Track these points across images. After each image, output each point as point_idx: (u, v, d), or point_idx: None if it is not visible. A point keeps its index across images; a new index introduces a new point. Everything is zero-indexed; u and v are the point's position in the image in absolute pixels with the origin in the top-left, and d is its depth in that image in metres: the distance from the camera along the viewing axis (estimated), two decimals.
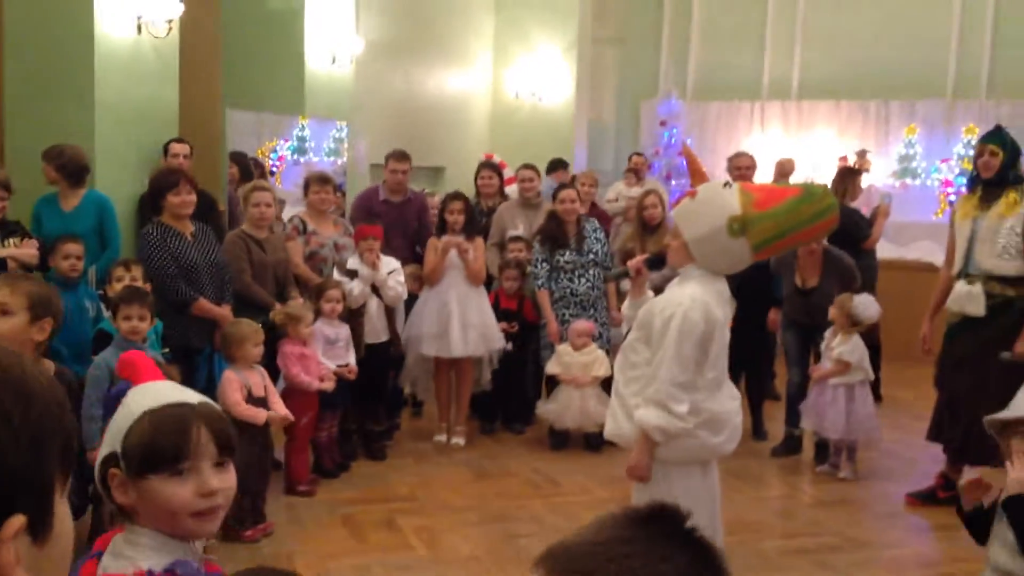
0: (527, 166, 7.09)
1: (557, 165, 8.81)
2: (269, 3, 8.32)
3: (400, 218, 6.70)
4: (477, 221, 6.48)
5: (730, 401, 3.41)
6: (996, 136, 5.17)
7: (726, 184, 3.37)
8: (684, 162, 4.79)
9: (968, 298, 4.98)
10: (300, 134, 9.11)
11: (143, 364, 1.64)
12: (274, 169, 9.40)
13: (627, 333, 3.55)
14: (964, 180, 7.88)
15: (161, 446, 1.48)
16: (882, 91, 10.84)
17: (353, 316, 5.72)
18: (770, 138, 11.15)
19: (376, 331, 5.89)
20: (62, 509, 0.83)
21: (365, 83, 8.85)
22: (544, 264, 6.37)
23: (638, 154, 9.49)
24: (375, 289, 5.84)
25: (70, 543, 0.85)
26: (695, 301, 3.21)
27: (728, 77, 11.46)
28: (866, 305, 5.72)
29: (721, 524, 3.56)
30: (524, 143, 9.86)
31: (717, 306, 3.26)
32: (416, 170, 8.23)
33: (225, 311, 4.92)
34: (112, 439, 1.52)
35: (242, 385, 4.55)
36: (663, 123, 10.92)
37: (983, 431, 4.87)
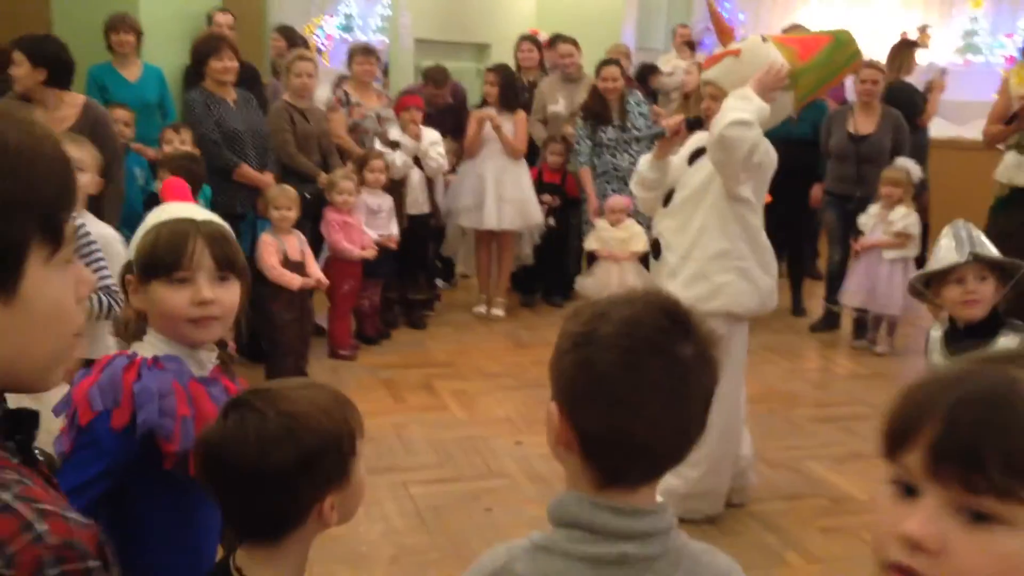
0: (565, 39, 6.96)
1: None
2: None
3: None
4: (516, 94, 6.44)
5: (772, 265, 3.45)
6: None
7: (764, 39, 3.33)
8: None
9: (1018, 168, 4.87)
10: (347, 11, 9.04)
11: (174, 187, 1.79)
12: (321, 47, 9.36)
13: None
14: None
15: (160, 254, 1.61)
16: None
17: (395, 187, 5.80)
18: (828, 10, 10.76)
19: (418, 202, 5.98)
20: (45, 281, 0.84)
21: None
22: (587, 141, 6.35)
23: (683, 26, 9.22)
24: (417, 160, 5.90)
25: (58, 320, 0.87)
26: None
27: None
28: (913, 167, 5.71)
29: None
30: (572, 18, 9.62)
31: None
32: (461, 46, 8.17)
33: (268, 178, 5.02)
34: (131, 249, 1.68)
35: (278, 248, 4.69)
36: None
37: None
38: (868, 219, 5.79)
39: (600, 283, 6.25)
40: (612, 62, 6.56)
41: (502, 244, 6.41)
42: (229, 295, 1.66)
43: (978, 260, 2.57)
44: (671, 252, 3.42)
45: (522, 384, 5.17)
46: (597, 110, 6.31)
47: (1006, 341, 2.46)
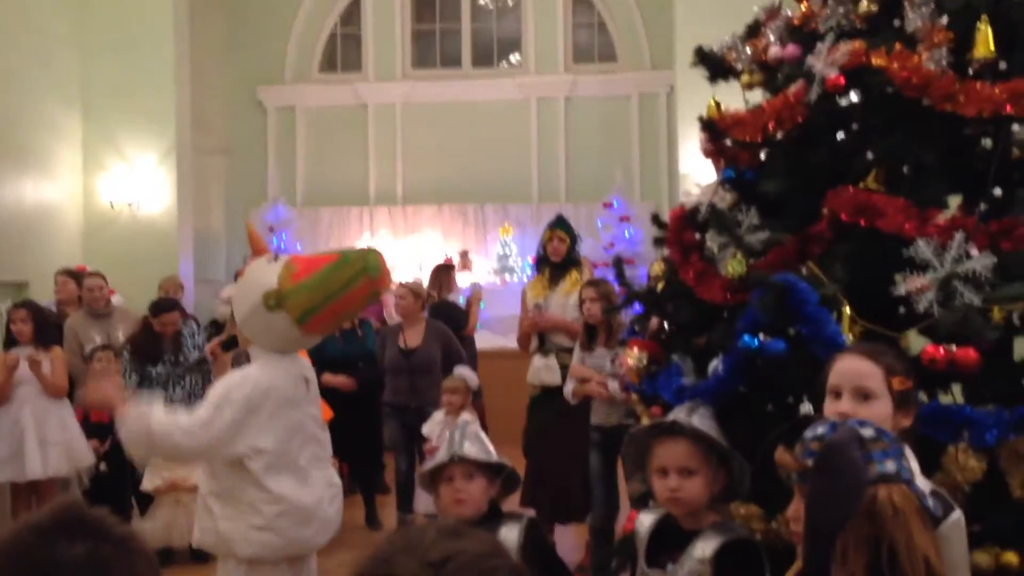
0: (92, 274, 6.79)
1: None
2: None
3: None
4: (50, 329, 6.02)
5: (325, 488, 3.32)
6: (562, 224, 5.81)
7: (274, 258, 3.31)
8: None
9: (545, 370, 5.45)
10: None
11: None
12: None
13: None
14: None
15: None
16: (478, 196, 11.76)
17: None
18: (380, 240, 11.59)
19: None
20: None
21: None
22: (134, 375, 6.06)
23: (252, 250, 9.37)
24: None
25: None
26: (246, 375, 3.18)
27: (336, 185, 11.86)
28: (470, 375, 6.12)
29: None
30: (125, 253, 9.37)
31: (282, 381, 3.21)
32: None
33: None
34: None
35: None
36: (272, 229, 10.97)
37: (569, 492, 5.32)
38: (434, 426, 6.06)
39: (163, 524, 5.81)
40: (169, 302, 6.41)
41: (43, 495, 5.76)
42: None
43: (461, 461, 2.70)
44: None
45: None
46: (147, 346, 6.10)
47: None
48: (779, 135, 2.80)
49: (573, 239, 5.72)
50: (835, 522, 1.60)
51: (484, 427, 7.37)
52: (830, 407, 2.11)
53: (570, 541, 5.75)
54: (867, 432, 1.67)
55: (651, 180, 11.62)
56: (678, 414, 2.49)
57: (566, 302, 5.51)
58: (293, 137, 12.08)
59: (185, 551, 5.92)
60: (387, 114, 12.09)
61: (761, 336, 2.62)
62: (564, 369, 5.38)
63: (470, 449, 2.73)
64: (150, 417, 3.05)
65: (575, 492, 5.28)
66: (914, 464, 1.73)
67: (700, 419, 2.45)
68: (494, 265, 11.63)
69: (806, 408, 2.53)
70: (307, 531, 3.21)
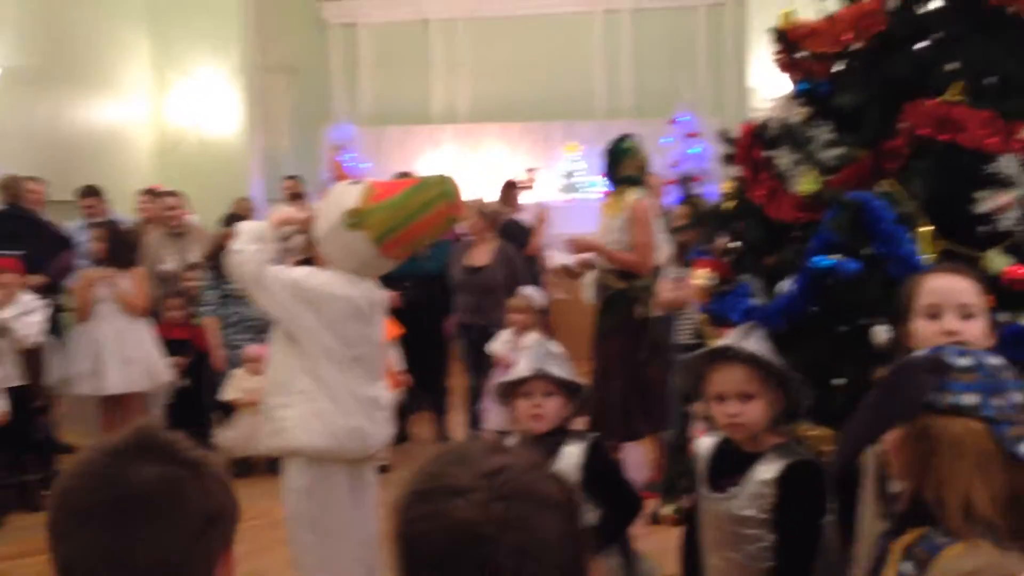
0: (169, 193, 6.90)
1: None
2: None
3: None
4: (132, 250, 6.19)
5: (374, 401, 3.40)
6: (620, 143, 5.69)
7: (355, 181, 3.43)
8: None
9: (586, 288, 5.48)
10: None
11: None
12: None
13: None
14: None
15: None
16: (543, 113, 11.62)
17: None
18: (445, 159, 11.57)
19: (6, 376, 5.45)
20: None
21: (5, 113, 8.17)
22: (213, 291, 6.21)
23: (290, 177, 9.40)
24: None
25: None
26: (324, 273, 3.28)
27: (400, 103, 11.80)
28: (536, 295, 6.16)
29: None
30: (195, 173, 9.52)
31: (351, 292, 3.28)
32: (75, 205, 7.73)
33: None
34: None
35: None
36: (338, 148, 11.01)
37: (613, 412, 5.32)
38: (500, 345, 6.13)
39: (244, 434, 6.02)
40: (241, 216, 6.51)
41: (127, 408, 6.00)
42: None
43: (542, 377, 2.75)
44: None
45: None
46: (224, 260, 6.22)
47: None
48: (855, 45, 2.70)
49: (615, 158, 5.59)
50: (864, 435, 1.58)
51: None
52: (929, 327, 2.06)
53: (638, 458, 5.78)
54: (963, 362, 1.54)
55: (719, 95, 11.33)
56: (733, 339, 2.46)
57: (611, 224, 5.44)
58: (356, 55, 12.00)
59: (264, 463, 6.16)
60: (451, 29, 11.92)
61: (834, 256, 2.57)
62: (603, 290, 5.37)
63: (553, 366, 2.78)
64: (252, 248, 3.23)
65: (614, 414, 5.28)
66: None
67: (756, 342, 2.41)
68: (560, 183, 11.54)
69: (880, 330, 2.49)
70: (356, 429, 3.30)
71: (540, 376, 2.74)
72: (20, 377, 5.51)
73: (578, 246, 5.51)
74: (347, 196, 3.26)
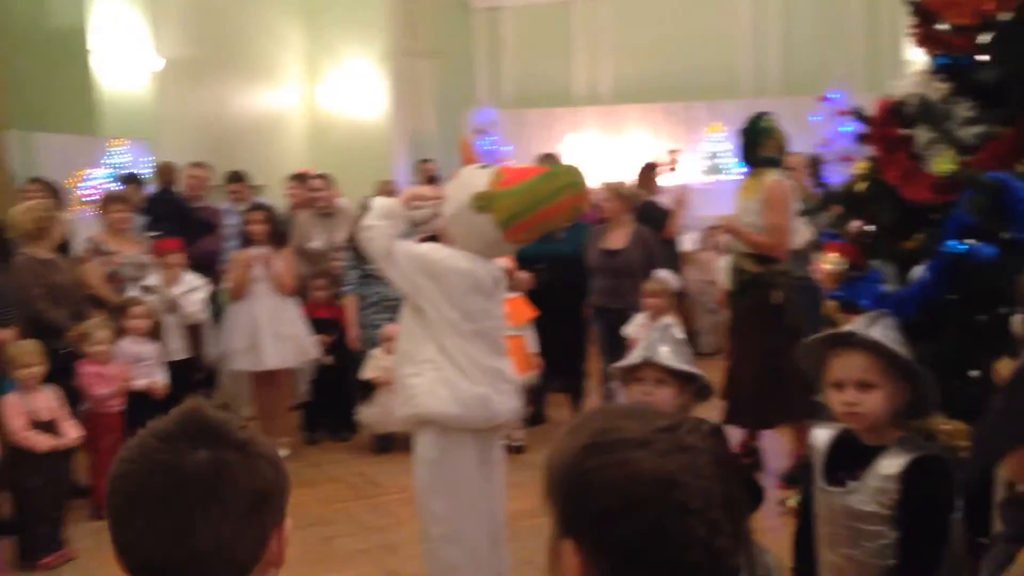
0: (316, 175, 7.14)
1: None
2: (50, 21, 8.08)
3: None
4: (283, 232, 6.47)
5: (498, 373, 3.48)
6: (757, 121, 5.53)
7: (484, 166, 3.49)
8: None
9: (723, 271, 5.35)
10: (118, 160, 8.79)
11: None
12: (88, 199, 9.04)
13: None
14: None
15: None
16: (686, 93, 11.42)
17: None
18: (586, 141, 11.55)
19: (174, 349, 5.82)
20: None
21: (169, 102, 8.69)
22: (355, 270, 6.41)
23: (425, 161, 9.58)
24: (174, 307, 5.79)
25: None
26: (449, 250, 3.40)
27: (543, 85, 11.85)
28: (671, 278, 6.09)
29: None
30: (343, 156, 9.88)
31: (475, 268, 3.38)
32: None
33: (4, 334, 4.75)
34: None
35: (25, 410, 4.42)
36: (480, 131, 11.16)
37: (746, 399, 5.18)
38: (635, 329, 6.09)
39: (383, 411, 6.22)
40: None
41: (276, 383, 6.30)
42: None
43: (651, 364, 2.70)
44: None
45: (302, 524, 5.00)
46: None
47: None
48: (999, 17, 2.54)
49: (753, 139, 5.42)
50: (999, 445, 1.48)
51: (690, 331, 7.37)
52: None
53: (776, 447, 5.66)
54: None
55: (873, 70, 10.82)
56: (857, 325, 2.35)
57: (746, 206, 5.30)
58: (499, 38, 12.12)
59: (403, 440, 6.35)
60: (593, 10, 11.86)
61: (971, 240, 2.44)
62: (740, 274, 5.24)
63: (664, 354, 2.73)
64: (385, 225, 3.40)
65: (747, 400, 5.15)
66: None
67: (882, 330, 2.28)
68: (703, 164, 11.34)
69: (1019, 319, 2.35)
70: (483, 396, 3.39)
71: (651, 363, 2.71)
72: (184, 351, 5.88)
73: (721, 227, 5.41)
74: (476, 179, 3.36)
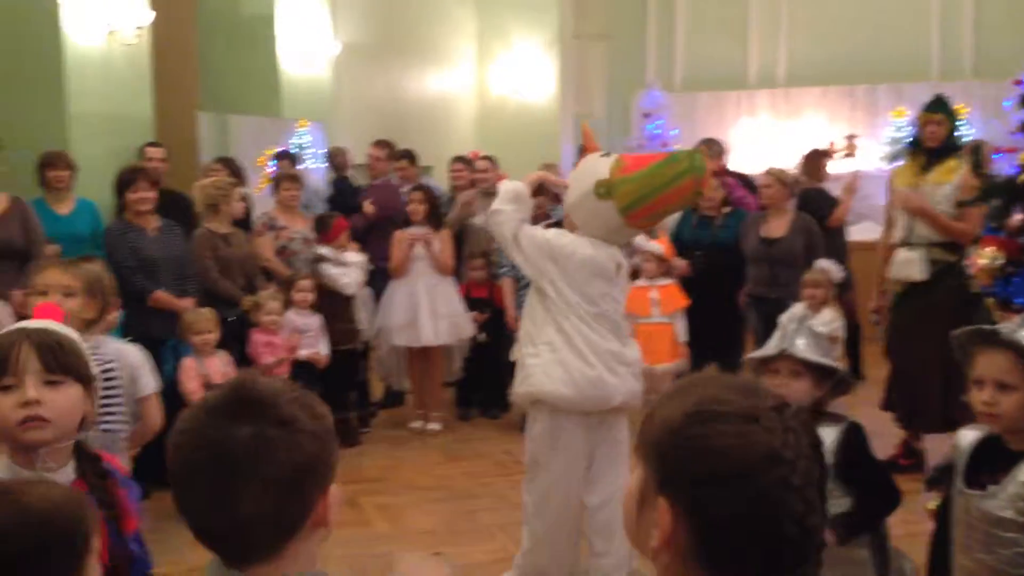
0: (481, 157, 7.29)
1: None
2: (242, 9, 8.58)
3: None
4: (442, 212, 6.65)
5: (615, 355, 3.50)
6: (941, 106, 5.25)
7: (606, 154, 3.52)
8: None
9: (907, 264, 5.06)
10: (300, 141, 9.26)
11: (44, 311, 1.92)
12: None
13: None
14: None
15: None
16: (869, 76, 10.89)
17: (332, 304, 5.93)
18: (759, 125, 11.22)
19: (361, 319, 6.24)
20: None
21: (345, 85, 9.07)
22: None
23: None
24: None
25: None
26: (571, 236, 3.46)
27: (715, 68, 11.57)
28: (833, 269, 5.84)
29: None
30: (511, 139, 10.02)
31: (595, 253, 3.43)
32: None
33: (185, 303, 5.11)
34: None
35: (199, 372, 4.74)
36: (647, 115, 11.04)
37: (932, 398, 4.93)
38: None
39: None
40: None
41: (431, 359, 6.49)
42: (61, 398, 1.72)
43: (787, 356, 2.64)
44: None
45: (449, 496, 5.17)
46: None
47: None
48: None
49: (954, 123, 5.14)
50: None
51: (854, 324, 7.05)
52: None
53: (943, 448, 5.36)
54: None
55: None
56: (1007, 325, 2.22)
57: (935, 193, 5.00)
58: (673, 19, 11.90)
59: None
60: None
61: None
62: (932, 264, 4.95)
63: (801, 346, 2.66)
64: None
65: (934, 399, 4.89)
66: None
67: None
68: (884, 151, 10.79)
69: None
70: (597, 379, 3.42)
71: (787, 355, 2.64)
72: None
73: (911, 207, 5.08)
74: (599, 167, 3.40)
